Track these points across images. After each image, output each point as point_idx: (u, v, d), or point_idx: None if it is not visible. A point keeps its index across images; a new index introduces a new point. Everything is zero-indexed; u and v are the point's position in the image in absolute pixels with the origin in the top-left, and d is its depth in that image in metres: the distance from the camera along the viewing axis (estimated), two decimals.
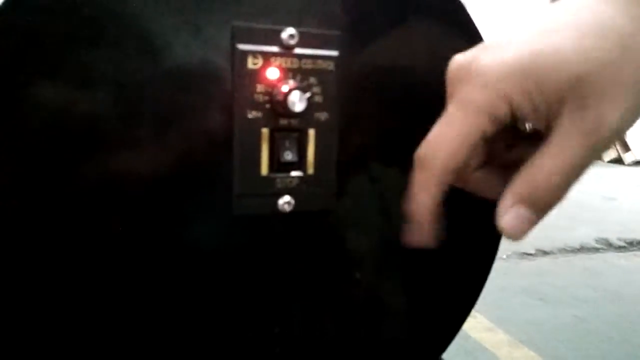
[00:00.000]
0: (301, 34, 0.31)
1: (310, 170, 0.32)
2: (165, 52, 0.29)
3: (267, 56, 0.30)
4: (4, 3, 0.26)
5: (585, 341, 1.84)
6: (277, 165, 0.32)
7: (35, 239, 0.28)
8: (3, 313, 0.28)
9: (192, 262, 0.32)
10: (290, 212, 0.32)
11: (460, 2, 0.35)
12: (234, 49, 0.30)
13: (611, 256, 2.77)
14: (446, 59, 0.28)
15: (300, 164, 0.32)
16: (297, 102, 0.30)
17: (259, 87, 0.30)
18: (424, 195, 0.28)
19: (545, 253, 2.67)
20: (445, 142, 0.26)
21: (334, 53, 0.32)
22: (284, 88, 0.30)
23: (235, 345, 0.34)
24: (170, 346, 0.32)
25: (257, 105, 0.30)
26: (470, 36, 0.35)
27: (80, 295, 0.30)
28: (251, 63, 0.30)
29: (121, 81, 0.28)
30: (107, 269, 0.30)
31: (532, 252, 2.66)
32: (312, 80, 0.31)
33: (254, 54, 0.30)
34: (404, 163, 0.36)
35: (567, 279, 2.39)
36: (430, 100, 0.30)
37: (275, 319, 0.35)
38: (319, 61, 0.31)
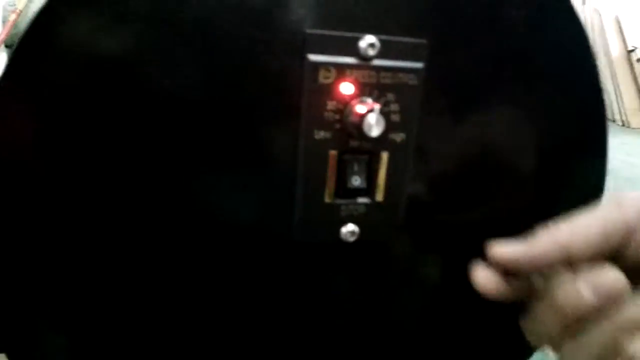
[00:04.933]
0: (382, 42, 0.26)
1: (379, 197, 0.29)
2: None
3: (341, 69, 0.26)
4: None
5: None
6: (343, 190, 0.28)
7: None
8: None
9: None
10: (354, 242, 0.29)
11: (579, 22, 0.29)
12: (304, 59, 0.25)
13: None
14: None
15: (368, 189, 0.28)
16: (374, 125, 0.25)
17: (330, 105, 0.26)
18: None
19: None
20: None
21: (418, 65, 0.27)
22: (360, 109, 0.26)
23: None
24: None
25: (326, 125, 0.26)
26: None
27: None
28: (323, 77, 0.26)
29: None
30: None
31: None
32: (390, 96, 0.27)
33: (327, 66, 0.25)
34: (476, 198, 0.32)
35: None
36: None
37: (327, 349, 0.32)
38: (400, 74, 0.27)
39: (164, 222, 0.27)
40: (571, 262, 0.24)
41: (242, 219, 0.28)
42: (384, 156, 0.28)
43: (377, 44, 0.26)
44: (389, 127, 0.27)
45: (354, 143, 0.27)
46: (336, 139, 0.27)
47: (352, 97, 0.26)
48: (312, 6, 0.25)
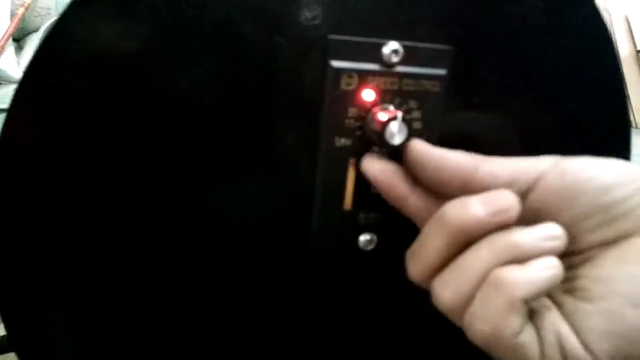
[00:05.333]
0: (405, 49, 0.25)
1: None
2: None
3: (363, 75, 0.25)
4: None
5: None
6: (363, 199, 0.27)
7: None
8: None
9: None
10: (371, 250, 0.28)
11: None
12: (326, 65, 0.25)
13: None
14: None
15: None
16: (397, 133, 0.25)
17: (351, 112, 0.26)
18: None
19: None
20: None
21: (441, 72, 0.26)
22: (382, 116, 0.25)
23: None
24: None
25: (347, 132, 0.26)
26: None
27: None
28: (345, 83, 0.25)
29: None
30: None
31: None
32: (412, 103, 0.26)
33: (349, 72, 0.25)
34: None
35: None
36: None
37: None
38: (423, 81, 0.26)
39: (182, 228, 0.26)
40: (474, 190, 0.23)
41: (259, 226, 0.27)
42: None
43: (401, 50, 0.25)
44: (411, 134, 0.26)
45: (374, 150, 0.27)
46: (357, 146, 0.26)
47: (374, 104, 0.26)
48: (334, 11, 0.25)
